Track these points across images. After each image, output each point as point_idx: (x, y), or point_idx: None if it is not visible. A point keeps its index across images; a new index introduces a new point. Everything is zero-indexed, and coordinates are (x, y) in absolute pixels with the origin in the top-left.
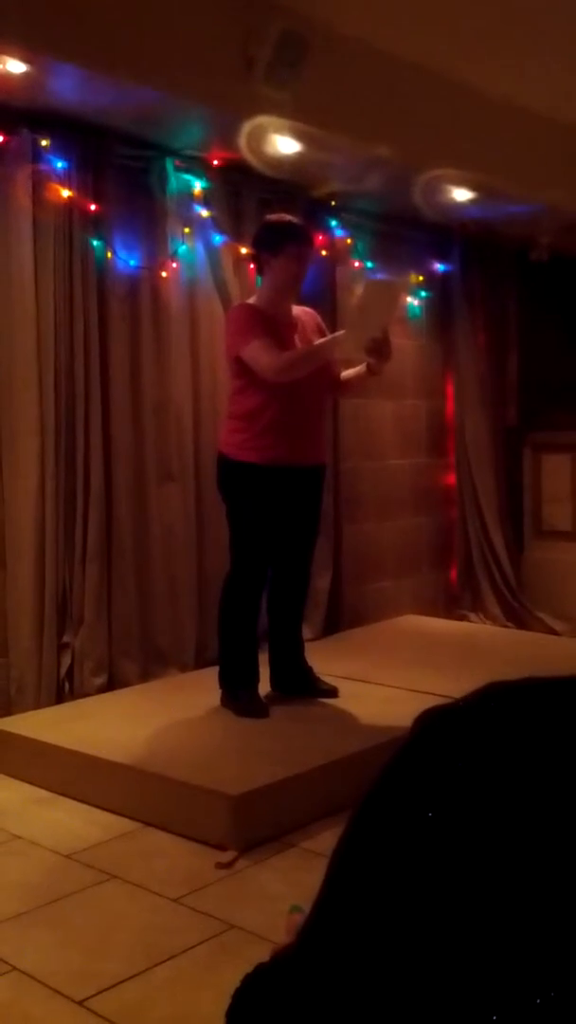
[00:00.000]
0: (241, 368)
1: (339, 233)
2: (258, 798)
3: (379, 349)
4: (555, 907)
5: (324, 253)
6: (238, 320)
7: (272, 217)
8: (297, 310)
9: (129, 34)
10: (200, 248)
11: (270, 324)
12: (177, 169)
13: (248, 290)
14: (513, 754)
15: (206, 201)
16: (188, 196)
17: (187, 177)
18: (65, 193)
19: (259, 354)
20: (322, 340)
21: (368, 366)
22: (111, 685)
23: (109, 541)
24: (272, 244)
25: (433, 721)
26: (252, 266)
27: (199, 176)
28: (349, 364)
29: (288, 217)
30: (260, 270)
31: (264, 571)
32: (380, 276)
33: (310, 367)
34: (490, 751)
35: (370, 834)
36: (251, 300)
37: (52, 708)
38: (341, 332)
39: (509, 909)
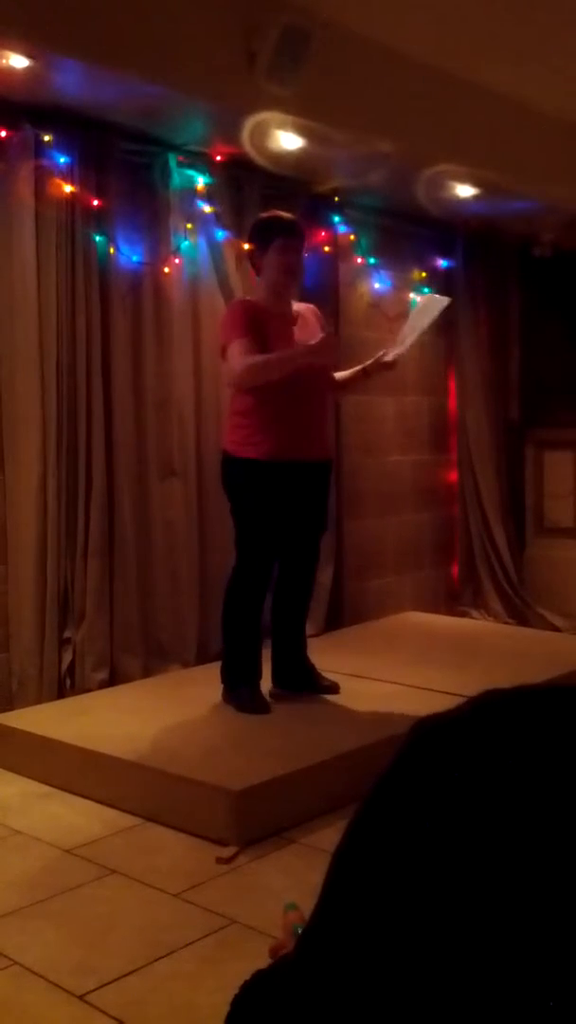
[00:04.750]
0: None
1: (342, 229)
2: (259, 794)
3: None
4: (552, 916)
5: (327, 249)
6: (228, 316)
7: (262, 215)
8: (300, 306)
9: (132, 29)
10: (203, 244)
11: (263, 321)
12: (180, 164)
13: (251, 286)
14: (508, 764)
15: (209, 197)
16: (191, 192)
17: (190, 173)
18: (68, 188)
19: (236, 355)
20: (300, 348)
21: (364, 369)
22: (112, 680)
23: (111, 536)
24: (261, 240)
25: (427, 731)
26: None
27: (202, 172)
28: (338, 367)
29: (276, 212)
30: (257, 268)
31: (269, 568)
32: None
33: (281, 372)
34: (485, 761)
35: (367, 844)
36: (250, 296)
37: (53, 703)
38: (317, 340)
39: (507, 918)
